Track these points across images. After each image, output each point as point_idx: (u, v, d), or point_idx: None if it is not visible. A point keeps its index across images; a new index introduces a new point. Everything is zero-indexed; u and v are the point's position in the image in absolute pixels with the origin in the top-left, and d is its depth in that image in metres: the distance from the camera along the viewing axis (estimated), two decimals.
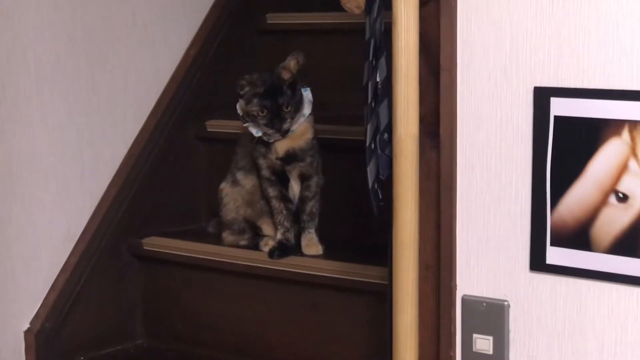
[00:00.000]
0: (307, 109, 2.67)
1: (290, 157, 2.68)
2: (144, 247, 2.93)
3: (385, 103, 1.83)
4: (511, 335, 1.77)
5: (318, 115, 2.72)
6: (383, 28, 1.83)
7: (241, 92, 2.65)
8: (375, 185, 1.91)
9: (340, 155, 2.78)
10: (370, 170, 1.87)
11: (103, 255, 2.90)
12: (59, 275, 2.82)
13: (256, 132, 2.67)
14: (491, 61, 1.75)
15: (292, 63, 2.64)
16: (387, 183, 1.90)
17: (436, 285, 1.85)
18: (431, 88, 1.82)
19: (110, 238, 2.91)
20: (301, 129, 2.68)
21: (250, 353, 2.77)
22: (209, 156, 3.12)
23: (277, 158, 2.69)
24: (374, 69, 1.84)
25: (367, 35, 1.85)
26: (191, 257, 2.85)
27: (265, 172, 2.71)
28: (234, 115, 2.77)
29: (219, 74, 3.13)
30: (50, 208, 2.79)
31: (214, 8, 3.20)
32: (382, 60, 1.85)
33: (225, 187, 2.82)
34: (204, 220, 3.05)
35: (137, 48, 2.99)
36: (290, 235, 2.70)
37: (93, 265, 2.87)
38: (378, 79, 1.84)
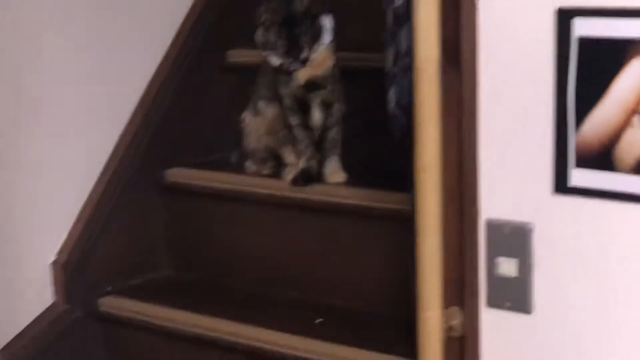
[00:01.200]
0: (327, 37, 2.65)
1: (312, 85, 2.68)
2: (167, 179, 2.94)
3: (405, 27, 1.82)
4: (535, 258, 1.76)
5: (338, 42, 2.70)
6: None
7: (260, 20, 2.64)
8: (397, 110, 1.90)
9: (361, 82, 2.76)
10: (391, 96, 1.87)
11: (127, 186, 2.91)
12: (83, 207, 2.84)
13: (276, 60, 2.66)
14: None
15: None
16: (408, 108, 1.89)
17: (459, 209, 1.84)
18: (452, 11, 1.79)
19: (134, 170, 2.93)
20: (322, 57, 2.67)
21: (275, 281, 2.79)
22: (230, 86, 3.11)
23: (298, 87, 2.68)
24: None
25: None
26: (214, 187, 2.87)
27: (287, 101, 2.70)
28: (254, 45, 2.76)
29: (240, 2, 3.11)
30: (73, 140, 2.80)
31: None
32: None
33: (247, 116, 2.82)
34: (227, 150, 3.05)
35: None
36: (314, 163, 2.70)
37: (117, 196, 2.89)
38: (397, 3, 1.83)
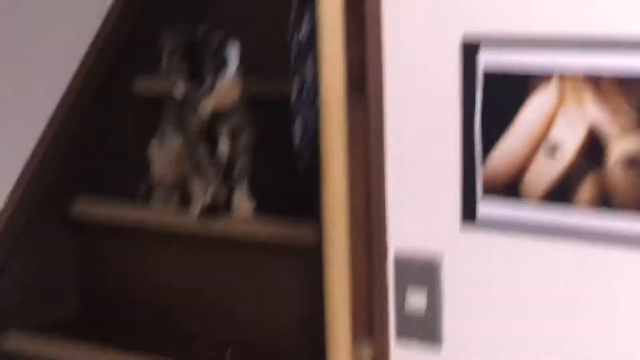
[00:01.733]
0: (233, 65, 2.62)
1: (218, 116, 2.65)
2: (73, 212, 2.90)
3: (310, 59, 1.81)
4: (445, 290, 1.75)
5: (247, 66, 2.67)
6: None
7: (164, 47, 2.61)
8: (303, 142, 1.89)
9: (269, 110, 2.74)
10: (297, 128, 1.85)
11: (31, 221, 2.85)
12: None
13: (179, 89, 2.62)
14: (418, 12, 1.72)
15: (213, 28, 2.60)
16: (314, 139, 1.87)
17: (368, 240, 1.83)
18: (357, 42, 1.79)
19: (39, 202, 2.88)
20: (227, 88, 2.63)
21: (184, 315, 2.75)
22: (136, 117, 3.08)
23: (204, 116, 2.65)
24: (296, 28, 1.81)
25: None
26: (121, 220, 2.83)
27: (193, 131, 2.67)
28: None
29: (147, 31, 3.07)
30: None
31: None
32: (306, 15, 1.82)
33: (153, 147, 2.79)
34: (134, 181, 3.00)
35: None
36: (221, 195, 2.67)
37: (20, 231, 2.83)
38: (301, 37, 1.81)
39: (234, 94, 2.65)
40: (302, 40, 1.81)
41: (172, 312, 2.77)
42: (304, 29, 1.82)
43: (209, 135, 2.67)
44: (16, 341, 2.75)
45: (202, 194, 2.70)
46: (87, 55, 3.01)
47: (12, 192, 2.83)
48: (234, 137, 2.68)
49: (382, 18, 1.76)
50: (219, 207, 2.66)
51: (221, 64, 2.59)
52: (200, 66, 2.56)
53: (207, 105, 2.63)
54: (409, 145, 1.76)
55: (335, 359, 1.85)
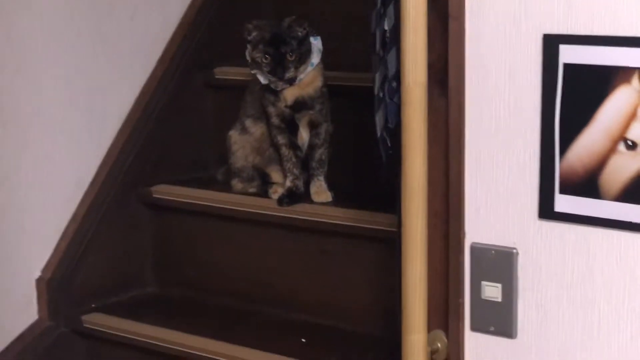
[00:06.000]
0: (315, 58, 2.67)
1: (299, 105, 2.69)
2: (153, 195, 2.95)
3: (393, 51, 1.83)
4: (520, 282, 1.77)
5: (327, 62, 2.71)
6: None
7: (248, 37, 2.66)
8: (384, 134, 1.91)
9: (350, 101, 2.78)
10: (379, 119, 1.88)
11: (112, 203, 2.92)
12: (69, 224, 2.85)
13: (263, 79, 2.67)
14: (500, 8, 1.74)
15: (297, 20, 2.63)
16: (395, 131, 1.90)
17: (445, 233, 1.85)
18: (439, 36, 1.81)
19: (119, 187, 2.93)
20: (310, 77, 2.68)
21: (259, 299, 2.79)
22: (217, 103, 3.12)
23: (286, 106, 2.69)
24: (382, 17, 1.83)
25: None
26: (201, 204, 2.87)
27: (275, 120, 2.71)
28: (242, 63, 2.76)
29: (228, 21, 3.12)
30: (60, 159, 2.81)
31: None
32: (390, 8, 1.84)
33: (234, 134, 2.83)
34: (212, 167, 3.06)
35: None
36: (300, 183, 2.71)
37: (102, 213, 2.89)
38: (386, 27, 1.84)
39: (316, 84, 2.69)
40: (385, 33, 1.83)
41: (248, 296, 2.81)
42: (388, 22, 1.84)
43: (290, 124, 2.71)
44: (97, 320, 2.81)
45: (282, 181, 2.74)
46: (171, 41, 3.06)
47: (96, 176, 2.90)
48: (314, 127, 2.72)
49: (465, 12, 1.78)
50: (299, 194, 2.70)
51: (305, 55, 2.63)
52: (284, 57, 2.61)
53: (290, 95, 2.68)
54: (488, 139, 1.78)
55: (410, 347, 1.87)
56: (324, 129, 2.72)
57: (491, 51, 1.76)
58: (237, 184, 2.85)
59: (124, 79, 2.96)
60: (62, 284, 2.81)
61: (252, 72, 2.69)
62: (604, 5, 1.63)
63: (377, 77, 1.87)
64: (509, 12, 1.73)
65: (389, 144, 1.91)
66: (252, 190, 2.82)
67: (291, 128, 2.72)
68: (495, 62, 1.76)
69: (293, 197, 2.69)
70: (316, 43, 2.68)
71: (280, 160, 2.74)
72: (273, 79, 2.65)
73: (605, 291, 1.70)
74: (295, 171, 2.71)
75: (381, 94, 1.86)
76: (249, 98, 2.81)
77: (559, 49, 1.68)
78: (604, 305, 1.70)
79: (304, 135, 2.73)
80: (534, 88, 1.72)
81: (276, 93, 2.69)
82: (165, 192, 2.95)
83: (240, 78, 2.90)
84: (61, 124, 2.79)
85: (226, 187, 2.87)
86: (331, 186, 2.72)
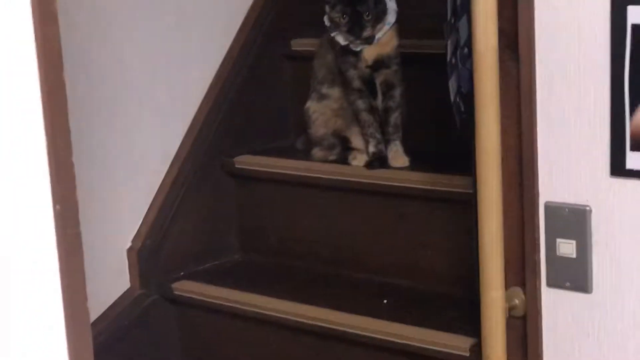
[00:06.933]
0: (391, 17, 2.72)
1: (378, 64, 2.74)
2: (236, 166, 3.01)
3: (464, 18, 1.88)
4: (594, 239, 1.82)
5: (402, 28, 2.76)
6: None
7: None
8: (457, 99, 1.96)
9: (423, 67, 2.82)
10: (452, 85, 1.93)
11: (197, 174, 2.98)
12: (157, 195, 2.92)
13: (342, 40, 2.72)
14: None
15: None
16: (468, 95, 1.95)
17: (519, 192, 1.90)
18: (509, 1, 1.85)
19: (204, 157, 3.00)
20: (387, 37, 2.73)
21: (342, 263, 2.84)
22: (294, 74, 3.18)
23: (366, 66, 2.74)
24: None
25: None
26: (283, 173, 2.93)
27: (356, 83, 2.76)
28: (317, 34, 2.82)
29: None
30: (145, 131, 2.87)
31: None
32: None
33: (311, 104, 2.88)
34: (291, 136, 3.12)
35: None
36: (382, 147, 2.76)
37: (188, 184, 2.96)
38: None
39: (393, 43, 2.74)
40: (456, 1, 1.88)
41: (329, 260, 2.87)
42: None
43: (370, 87, 2.77)
44: (186, 287, 2.90)
45: (361, 146, 2.80)
46: (249, 12, 3.12)
47: (180, 147, 2.97)
48: (388, 89, 2.77)
49: None
50: (383, 157, 2.75)
51: (381, 14, 2.68)
52: (361, 16, 2.66)
53: (370, 54, 2.73)
54: (559, 101, 1.82)
55: (489, 304, 1.93)
56: (398, 92, 2.76)
57: (560, 14, 1.80)
58: (317, 152, 2.89)
59: (204, 51, 3.02)
60: (152, 253, 2.89)
61: (332, 34, 2.74)
62: None
63: (449, 45, 1.92)
64: None
65: (463, 109, 1.96)
66: (332, 157, 2.86)
67: (370, 91, 2.77)
68: (564, 25, 1.80)
69: (380, 160, 2.75)
70: (391, 3, 2.72)
71: (360, 125, 2.79)
72: (351, 37, 2.70)
73: None
74: (378, 135, 2.75)
75: (453, 61, 1.92)
76: (317, 63, 2.86)
77: (627, 10, 1.71)
78: None
79: (380, 97, 2.78)
80: (603, 49, 1.76)
81: (356, 54, 2.73)
82: (247, 162, 3.01)
83: (314, 49, 2.96)
84: (146, 98, 2.86)
85: (306, 156, 2.93)
86: (407, 150, 2.76)
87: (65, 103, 1.28)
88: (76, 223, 1.26)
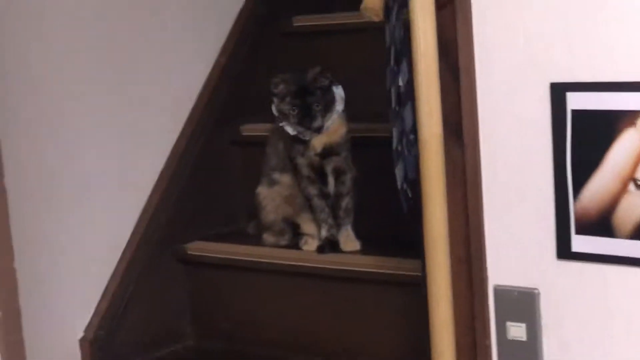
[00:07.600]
0: (339, 105, 2.75)
1: (327, 152, 2.76)
2: (189, 252, 3.01)
3: (409, 105, 1.91)
4: (543, 321, 1.83)
5: (349, 113, 2.79)
6: (402, 33, 1.90)
7: (275, 91, 2.74)
8: (405, 185, 1.98)
9: (376, 150, 2.84)
10: (399, 171, 1.95)
11: (149, 261, 2.98)
12: (108, 284, 2.91)
13: (292, 130, 2.75)
14: (507, 60, 1.81)
15: (320, 71, 2.72)
16: (415, 181, 1.97)
17: (469, 277, 1.91)
18: (452, 89, 1.88)
19: (155, 245, 3.00)
20: (336, 124, 2.76)
21: (296, 348, 2.84)
22: (244, 158, 3.19)
23: (315, 154, 2.76)
24: (396, 74, 1.91)
25: (388, 42, 1.92)
26: (235, 259, 2.93)
27: (305, 171, 2.78)
28: (265, 119, 2.85)
29: (248, 79, 3.20)
30: (96, 220, 2.87)
31: (240, 15, 3.27)
32: (404, 64, 1.92)
33: (262, 190, 2.89)
34: (242, 221, 3.13)
35: (167, 57, 3.06)
36: (334, 232, 2.77)
37: (140, 272, 2.96)
38: (400, 83, 1.91)
39: (341, 130, 2.77)
40: (400, 89, 1.91)
41: (282, 346, 2.86)
42: (402, 77, 1.92)
43: (319, 174, 2.79)
44: None
45: (312, 231, 2.81)
46: (196, 103, 3.15)
47: (132, 233, 2.97)
48: (339, 175, 2.79)
49: (474, 66, 1.85)
50: (335, 242, 2.76)
51: (330, 103, 2.71)
52: (311, 107, 2.69)
53: (318, 143, 2.76)
54: (504, 185, 1.84)
55: None
56: (348, 177, 2.79)
57: (502, 100, 1.83)
58: (268, 237, 2.91)
59: (154, 140, 3.03)
60: (105, 344, 2.87)
61: (280, 124, 2.77)
62: (604, 54, 1.71)
63: (395, 132, 1.94)
64: (516, 63, 1.81)
65: (410, 195, 1.98)
66: (283, 242, 2.88)
67: (320, 178, 2.79)
68: (506, 111, 1.83)
69: (331, 245, 2.76)
70: (338, 91, 2.76)
71: (311, 211, 2.81)
72: (301, 129, 2.73)
73: (626, 326, 1.75)
74: (330, 221, 2.77)
75: (399, 148, 1.94)
76: (270, 150, 2.88)
77: (566, 96, 1.75)
78: (624, 340, 1.75)
79: (331, 183, 2.80)
80: (545, 134, 1.78)
81: (305, 143, 2.76)
82: (199, 248, 3.01)
83: (265, 134, 2.98)
84: (96, 187, 2.85)
85: (258, 241, 2.94)
86: (359, 234, 2.78)
87: (6, 210, 1.27)
88: (18, 329, 1.24)
